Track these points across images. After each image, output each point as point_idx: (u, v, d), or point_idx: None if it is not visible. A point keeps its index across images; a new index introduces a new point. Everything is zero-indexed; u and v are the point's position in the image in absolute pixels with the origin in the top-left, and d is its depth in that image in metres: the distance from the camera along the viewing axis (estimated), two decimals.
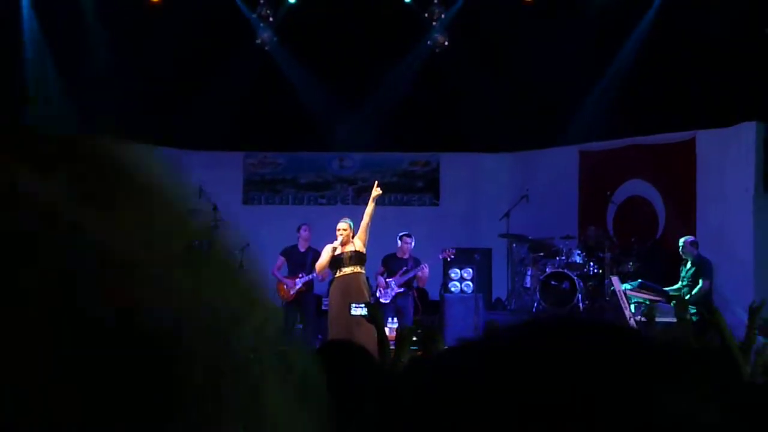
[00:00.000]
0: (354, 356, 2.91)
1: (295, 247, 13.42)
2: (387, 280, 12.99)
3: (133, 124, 15.16)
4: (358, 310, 9.93)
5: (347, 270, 10.93)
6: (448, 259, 13.93)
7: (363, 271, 11.10)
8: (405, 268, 13.01)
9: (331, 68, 15.89)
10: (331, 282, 11.24)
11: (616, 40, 15.34)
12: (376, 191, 11.04)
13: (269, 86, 16.12)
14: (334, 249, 11.03)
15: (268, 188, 17.47)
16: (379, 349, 4.94)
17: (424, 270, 12.98)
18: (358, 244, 11.00)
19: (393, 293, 12.80)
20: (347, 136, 16.41)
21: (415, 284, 13.09)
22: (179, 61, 15.31)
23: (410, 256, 13.12)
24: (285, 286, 13.19)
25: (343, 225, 11.12)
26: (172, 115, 15.48)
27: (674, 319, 6.55)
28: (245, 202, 17.33)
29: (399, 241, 13.16)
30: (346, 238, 11.01)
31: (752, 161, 13.69)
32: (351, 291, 10.74)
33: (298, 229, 13.52)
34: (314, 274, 12.20)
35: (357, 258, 10.98)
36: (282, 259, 13.47)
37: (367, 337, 7.70)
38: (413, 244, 13.17)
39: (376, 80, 16.06)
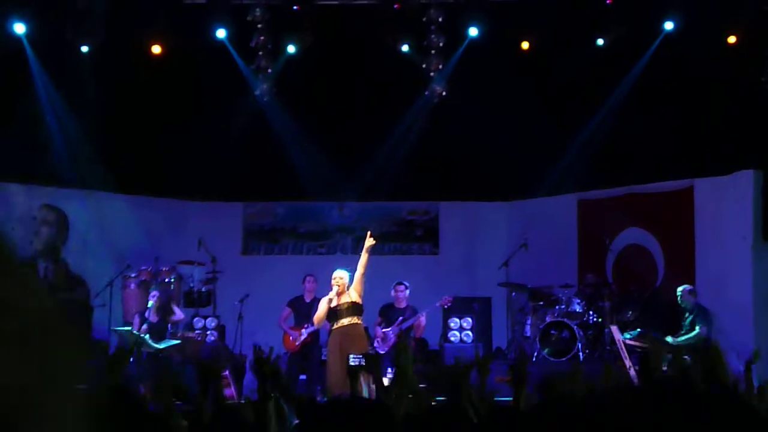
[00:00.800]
0: (364, 411, 2.91)
1: (301, 298, 13.47)
2: (384, 330, 12.99)
3: (133, 174, 15.26)
4: (356, 361, 9.92)
5: (345, 321, 10.91)
6: (446, 307, 13.90)
7: (360, 322, 11.08)
8: (402, 317, 12.99)
9: (329, 118, 15.97)
10: (329, 333, 11.22)
11: (613, 87, 15.42)
12: (369, 241, 11.03)
13: (267, 136, 16.17)
14: (330, 300, 11.02)
15: (268, 238, 17.47)
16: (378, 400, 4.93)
17: (421, 319, 12.96)
18: (353, 295, 10.99)
19: (390, 343, 12.78)
20: (346, 185, 16.45)
21: (412, 334, 13.06)
22: (179, 112, 15.40)
23: (407, 305, 13.11)
24: (290, 338, 13.23)
25: (340, 274, 11.12)
26: (171, 166, 15.53)
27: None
28: (244, 252, 17.34)
29: (393, 291, 13.17)
30: (341, 288, 11.00)
31: (750, 209, 13.72)
32: (349, 342, 10.71)
33: (303, 280, 13.56)
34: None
35: (354, 309, 10.96)
36: (288, 310, 13.53)
37: (365, 388, 7.70)
38: (408, 292, 13.18)
39: (374, 130, 16.12)
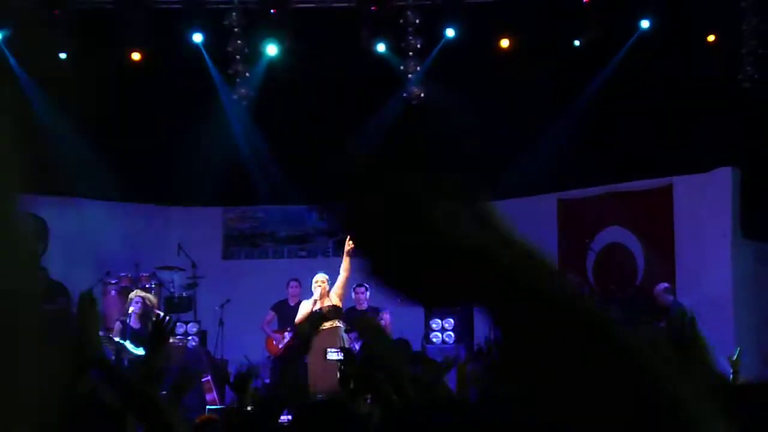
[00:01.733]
0: (338, 411, 2.92)
1: (285, 302, 13.52)
2: (350, 335, 13.01)
3: (111, 180, 15.19)
4: (333, 355, 9.98)
5: (327, 325, 10.92)
6: None
7: (341, 325, 11.10)
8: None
9: (307, 120, 15.92)
10: None
11: (591, 86, 15.45)
12: (349, 245, 11.03)
13: (246, 141, 16.14)
14: (314, 302, 11.03)
15: (248, 242, 17.42)
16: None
17: (385, 317, 12.95)
18: (334, 298, 11.01)
19: (359, 345, 12.79)
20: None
21: None
22: (158, 118, 15.33)
23: (368, 306, 13.11)
24: (273, 341, 13.26)
25: (321, 278, 11.13)
26: (150, 172, 15.48)
27: None
28: (225, 257, 17.27)
29: (353, 293, 13.15)
30: (323, 291, 11.01)
31: (729, 206, 13.77)
32: (330, 345, 10.73)
33: (288, 285, 13.58)
34: None
35: (334, 312, 10.98)
36: (272, 313, 13.57)
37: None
38: (368, 293, 13.16)
39: (353, 132, 16.09)
